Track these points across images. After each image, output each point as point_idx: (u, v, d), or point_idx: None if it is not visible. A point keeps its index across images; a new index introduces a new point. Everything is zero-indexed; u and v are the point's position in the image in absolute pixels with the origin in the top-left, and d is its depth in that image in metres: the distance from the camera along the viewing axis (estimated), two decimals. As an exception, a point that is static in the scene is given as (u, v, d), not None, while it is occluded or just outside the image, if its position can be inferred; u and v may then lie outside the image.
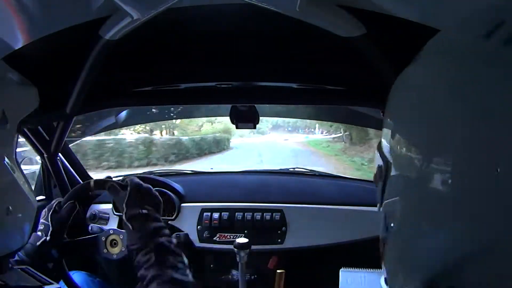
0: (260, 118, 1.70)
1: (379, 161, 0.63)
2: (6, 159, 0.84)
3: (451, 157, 0.45)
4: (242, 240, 1.52)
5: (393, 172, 0.58)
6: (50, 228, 1.14)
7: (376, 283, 1.64)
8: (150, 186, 1.09)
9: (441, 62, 0.54)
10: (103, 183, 1.13)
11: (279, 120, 11.77)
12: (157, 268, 0.89)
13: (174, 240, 0.98)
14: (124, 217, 1.01)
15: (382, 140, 0.65)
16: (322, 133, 13.51)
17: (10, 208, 0.82)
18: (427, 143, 0.50)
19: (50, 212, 1.16)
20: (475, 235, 0.42)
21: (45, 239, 1.13)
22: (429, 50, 0.60)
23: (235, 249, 1.50)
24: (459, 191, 0.44)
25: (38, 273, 0.97)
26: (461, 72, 0.48)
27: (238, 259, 1.52)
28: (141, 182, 1.08)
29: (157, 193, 1.09)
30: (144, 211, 1.01)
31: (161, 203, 1.08)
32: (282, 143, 12.91)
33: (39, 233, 1.15)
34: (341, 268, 1.84)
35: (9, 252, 0.88)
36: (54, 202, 1.20)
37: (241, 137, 12.97)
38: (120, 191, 1.06)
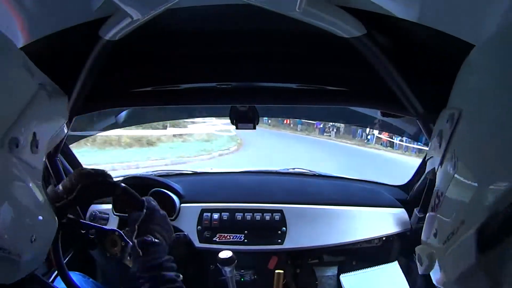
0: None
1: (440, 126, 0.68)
2: (31, 185, 0.78)
3: None
4: (226, 254, 1.36)
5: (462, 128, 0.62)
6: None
7: (378, 279, 1.65)
8: (166, 214, 1.08)
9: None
10: (124, 193, 1.05)
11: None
12: None
13: (180, 277, 0.97)
14: (133, 239, 0.99)
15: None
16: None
17: (34, 236, 0.78)
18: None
19: None
20: None
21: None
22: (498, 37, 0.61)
23: (218, 265, 1.36)
24: None
25: (46, 281, 0.97)
26: None
27: (224, 273, 1.38)
28: (158, 207, 1.06)
29: (170, 222, 1.07)
30: (157, 240, 0.99)
31: (172, 232, 1.07)
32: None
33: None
34: (340, 268, 1.84)
35: (28, 273, 0.86)
36: None
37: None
38: (135, 209, 1.04)
